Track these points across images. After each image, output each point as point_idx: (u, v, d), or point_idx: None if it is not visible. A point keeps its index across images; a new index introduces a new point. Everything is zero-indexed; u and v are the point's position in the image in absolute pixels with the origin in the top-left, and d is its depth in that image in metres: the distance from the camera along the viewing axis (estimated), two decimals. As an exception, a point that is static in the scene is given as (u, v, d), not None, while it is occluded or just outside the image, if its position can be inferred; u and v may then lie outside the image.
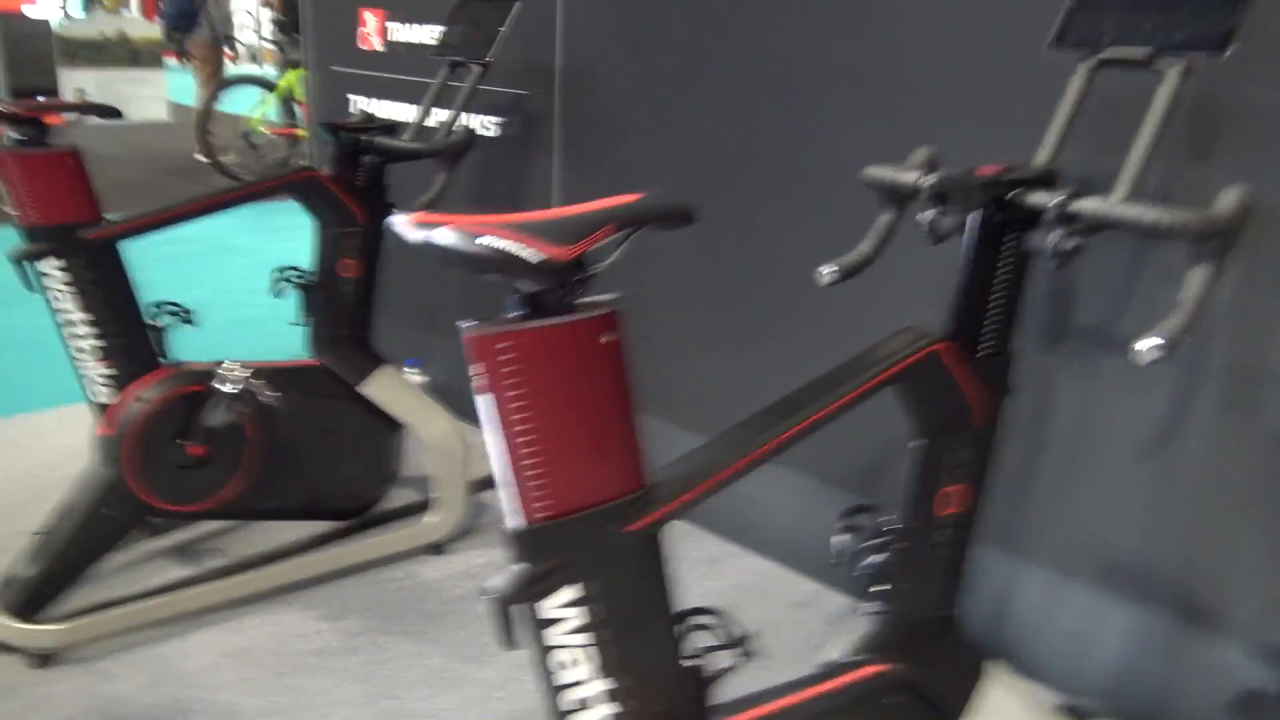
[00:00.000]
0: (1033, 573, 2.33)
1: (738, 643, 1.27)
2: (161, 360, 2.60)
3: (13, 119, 2.35)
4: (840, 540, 1.50)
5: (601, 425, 1.08)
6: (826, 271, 1.62)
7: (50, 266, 2.41)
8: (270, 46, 10.94)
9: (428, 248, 0.98)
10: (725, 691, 1.35)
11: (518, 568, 1.08)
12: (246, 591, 2.63)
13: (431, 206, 2.78)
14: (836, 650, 1.57)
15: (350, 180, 2.75)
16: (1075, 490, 2.24)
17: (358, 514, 2.91)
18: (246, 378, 2.53)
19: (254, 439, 2.64)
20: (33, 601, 2.39)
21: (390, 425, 2.86)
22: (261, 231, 6.85)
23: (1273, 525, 1.98)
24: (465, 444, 2.87)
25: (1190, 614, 2.12)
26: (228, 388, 2.51)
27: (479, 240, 0.96)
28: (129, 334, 2.53)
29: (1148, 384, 2.09)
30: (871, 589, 1.53)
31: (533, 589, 1.07)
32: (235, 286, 5.51)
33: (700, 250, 2.88)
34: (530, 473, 1.06)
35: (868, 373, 1.35)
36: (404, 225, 0.99)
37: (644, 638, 1.18)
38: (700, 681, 1.26)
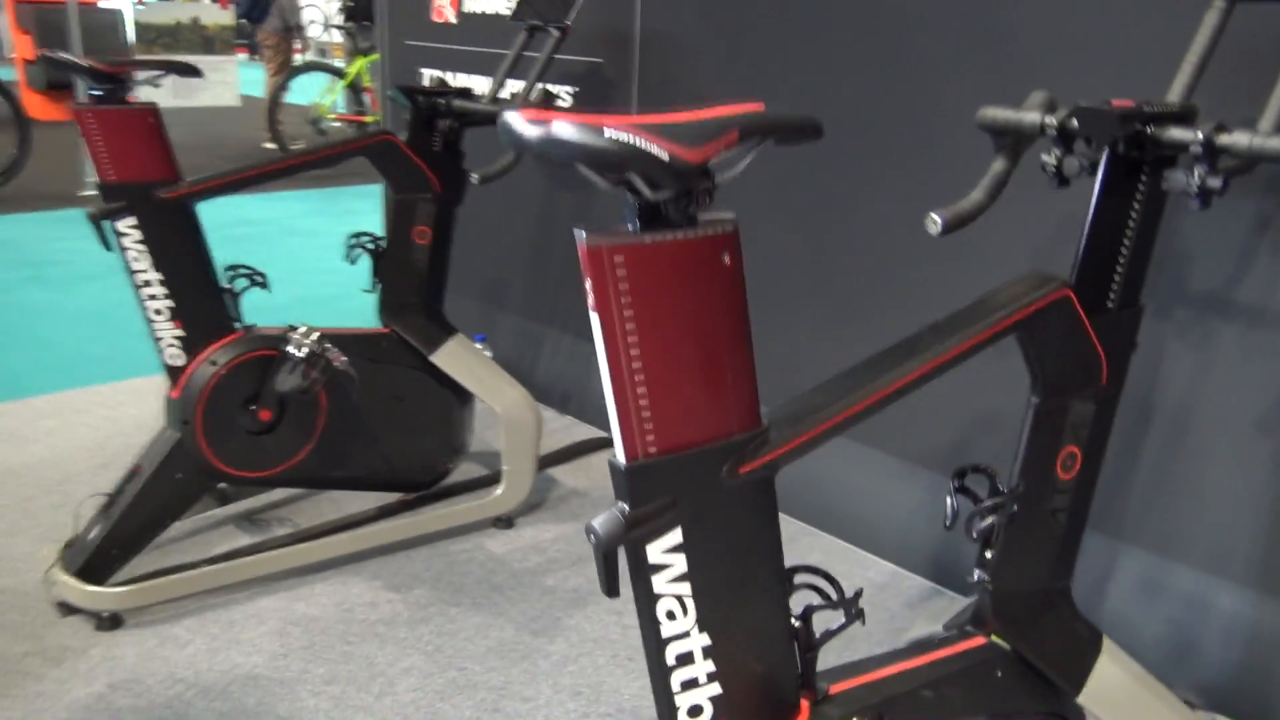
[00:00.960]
0: (1132, 555, 2.20)
1: (847, 604, 1.18)
2: (234, 324, 2.57)
3: (93, 74, 2.33)
4: (953, 502, 1.40)
5: (718, 355, 1.00)
6: (937, 216, 1.52)
7: (126, 225, 2.38)
8: (337, 39, 11.03)
9: (547, 142, 0.90)
10: (827, 658, 1.26)
11: (623, 507, 1.00)
12: (313, 559, 2.59)
13: (505, 173, 2.72)
14: (946, 621, 1.47)
15: (426, 145, 2.69)
16: (1182, 468, 2.11)
17: (426, 486, 2.86)
18: (319, 342, 2.48)
19: (325, 405, 2.60)
20: (99, 564, 2.37)
21: (460, 396, 2.81)
22: (330, 215, 6.89)
23: None
24: (536, 416, 2.81)
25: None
26: (300, 352, 2.47)
27: (607, 134, 0.88)
28: (202, 296, 2.50)
29: (1267, 352, 1.96)
30: (984, 557, 1.42)
31: (638, 530, 0.99)
32: (304, 266, 5.53)
33: (787, 219, 2.78)
34: (640, 402, 0.98)
35: (992, 317, 1.25)
36: (519, 120, 0.92)
37: (752, 591, 1.10)
38: (806, 642, 1.17)
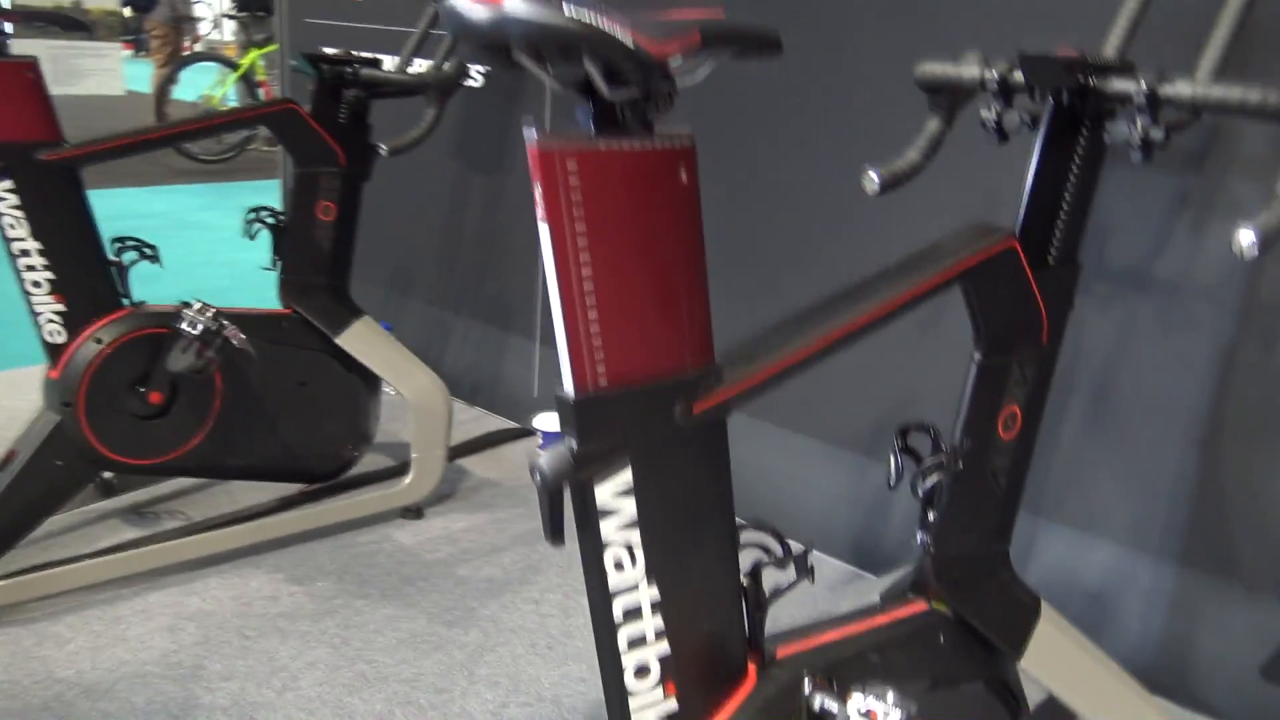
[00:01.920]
0: (1054, 531, 2.21)
1: (797, 561, 1.12)
2: (122, 300, 2.40)
3: (-36, 25, 2.15)
4: (897, 461, 1.36)
5: (673, 281, 0.93)
6: (874, 174, 1.48)
7: (3, 188, 2.20)
8: (229, 38, 10.64)
9: (499, 24, 0.82)
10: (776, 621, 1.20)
11: (570, 444, 0.92)
12: (207, 552, 2.43)
13: (417, 145, 2.61)
14: (889, 585, 1.43)
15: (331, 116, 2.57)
16: (1101, 442, 2.13)
17: (330, 476, 2.72)
18: (214, 319, 2.33)
19: (221, 388, 2.45)
20: (-27, 557, 2.18)
21: (367, 381, 2.68)
22: (225, 209, 6.62)
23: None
24: (447, 402, 2.70)
25: (1227, 573, 2.01)
26: (194, 329, 2.31)
27: (568, 11, 0.80)
28: (85, 268, 2.33)
29: (1185, 325, 1.98)
30: (926, 519, 1.39)
31: (586, 469, 0.91)
32: (197, 259, 5.28)
33: (719, 174, 2.74)
34: (590, 326, 0.90)
35: (939, 265, 1.22)
36: (466, 3, 0.83)
37: (703, 542, 1.03)
38: (755, 601, 1.11)
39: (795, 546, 1.17)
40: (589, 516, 0.95)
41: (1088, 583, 2.18)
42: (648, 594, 0.99)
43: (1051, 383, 1.45)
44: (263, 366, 2.50)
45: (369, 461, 2.80)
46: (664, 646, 1.02)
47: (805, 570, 1.13)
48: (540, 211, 0.88)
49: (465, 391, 3.48)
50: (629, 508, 0.96)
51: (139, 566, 2.34)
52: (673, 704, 1.04)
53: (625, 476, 0.95)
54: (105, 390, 2.29)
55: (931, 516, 1.39)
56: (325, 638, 2.17)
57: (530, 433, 3.19)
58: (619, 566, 0.97)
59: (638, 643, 1.01)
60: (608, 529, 0.96)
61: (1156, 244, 2.01)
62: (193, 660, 2.07)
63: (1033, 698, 1.55)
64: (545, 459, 0.90)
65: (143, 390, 2.35)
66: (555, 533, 0.94)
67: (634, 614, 1.00)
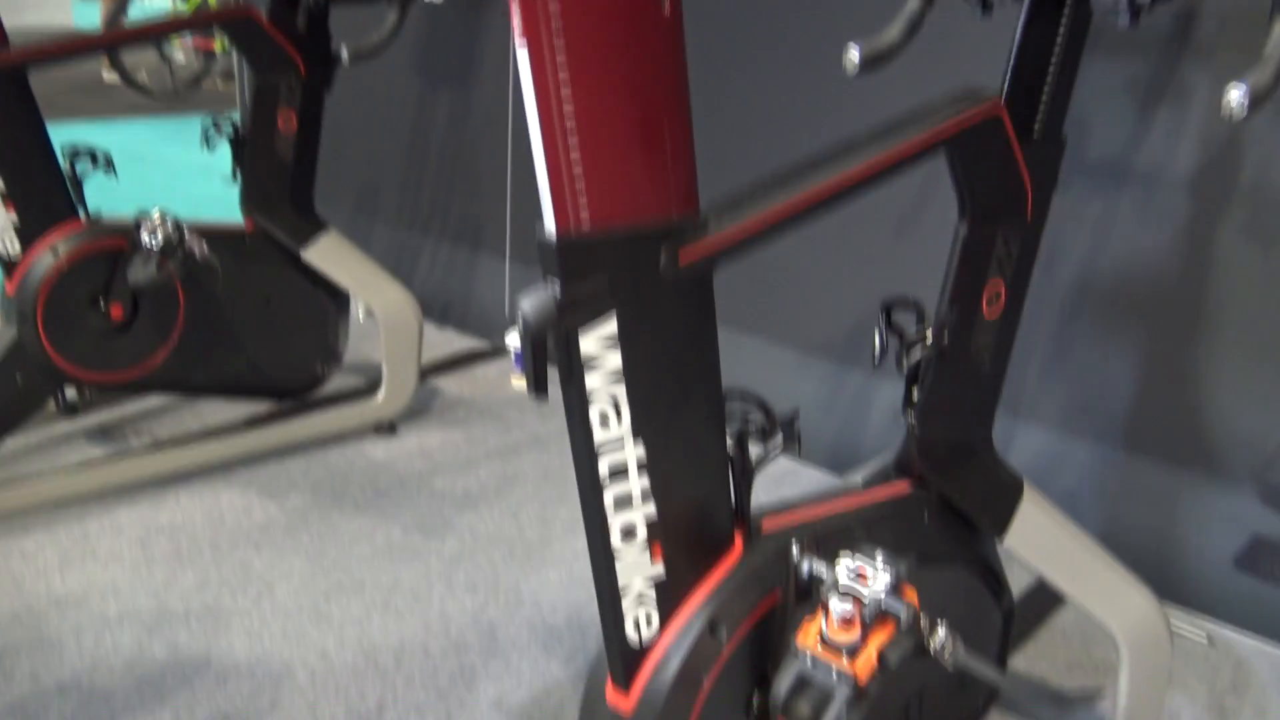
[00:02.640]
0: (1030, 433, 2.22)
1: (784, 426, 1.10)
2: (77, 212, 2.32)
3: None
4: (882, 337, 1.34)
5: (655, 118, 0.89)
6: (855, 51, 1.44)
7: (-54, 92, 2.11)
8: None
9: None
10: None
11: (553, 289, 0.88)
12: (176, 467, 2.39)
13: (381, 51, 2.53)
14: (875, 465, 1.41)
15: (289, 23, 2.47)
16: (1078, 342, 2.13)
17: (300, 393, 2.67)
18: (175, 230, 2.26)
19: (184, 303, 2.39)
20: (-67, 473, 2.13)
21: (334, 296, 2.63)
22: (182, 142, 6.45)
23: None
24: (418, 317, 2.65)
25: (1199, 464, 2.03)
26: (155, 241, 2.24)
27: None
28: (39, 177, 2.26)
29: (1161, 219, 1.97)
30: (910, 398, 1.37)
31: (570, 315, 0.88)
32: (153, 195, 5.13)
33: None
34: (572, 161, 0.86)
35: (926, 127, 1.18)
36: None
37: (689, 402, 1.00)
38: (741, 468, 1.09)
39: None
40: (573, 366, 0.92)
41: (1063, 482, 2.19)
42: (634, 452, 0.97)
43: (1035, 262, 1.43)
44: (226, 281, 2.44)
45: (342, 382, 2.76)
46: (651, 509, 1.00)
47: (793, 438, 1.12)
48: (517, 31, 0.84)
49: (436, 313, 3.43)
50: (614, 359, 0.93)
51: (106, 482, 2.30)
52: (660, 569, 1.03)
53: (610, 327, 0.92)
54: (63, 304, 2.23)
55: (916, 396, 1.37)
56: (300, 549, 2.14)
57: (503, 352, 3.15)
58: (604, 421, 0.95)
59: (624, 503, 0.98)
60: (593, 380, 0.93)
61: (1132, 138, 1.99)
62: (165, 572, 2.04)
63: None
64: (529, 304, 0.87)
65: (103, 304, 2.28)
66: (538, 384, 0.91)
67: (620, 473, 0.97)
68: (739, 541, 1.13)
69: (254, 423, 2.58)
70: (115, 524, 2.20)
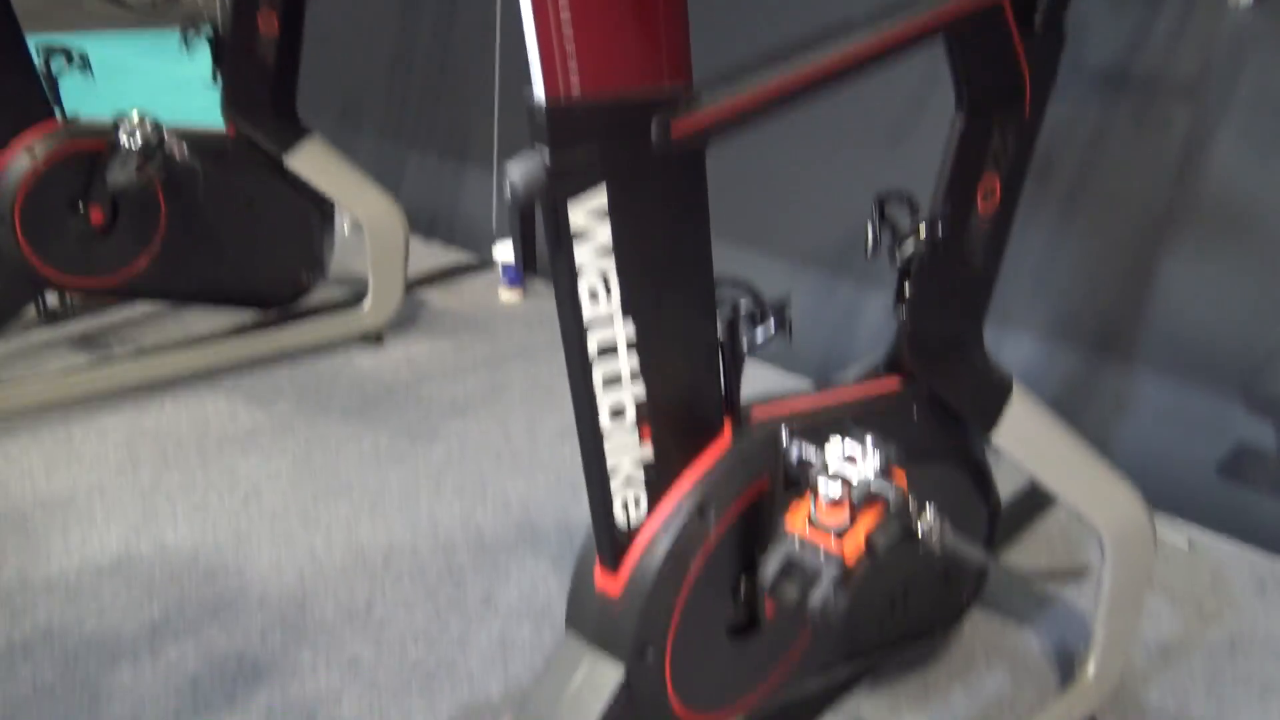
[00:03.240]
0: (1020, 340, 2.21)
1: (776, 312, 1.09)
2: (54, 112, 2.27)
3: None
4: (875, 229, 1.32)
5: None
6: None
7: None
8: None
9: None
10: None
11: (543, 156, 0.86)
12: (163, 374, 2.37)
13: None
14: (866, 363, 1.40)
15: (268, -82, 2.40)
16: (1070, 247, 2.11)
17: (285, 302, 2.64)
18: (155, 131, 2.21)
19: (165, 208, 2.35)
20: (-87, 376, 2.10)
21: (318, 204, 2.58)
22: (161, 55, 6.29)
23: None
24: (403, 225, 2.62)
25: (1186, 371, 2.03)
26: (133, 142, 2.20)
27: None
28: (12, 74, 2.19)
29: (1159, 126, 1.95)
30: (902, 293, 1.36)
31: (559, 184, 0.86)
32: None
33: None
34: (562, 26, 0.83)
35: (924, 10, 1.15)
36: None
37: (679, 282, 0.99)
38: (732, 354, 1.08)
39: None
40: (562, 237, 0.91)
41: (1050, 390, 2.20)
42: (623, 330, 0.95)
43: (1031, 159, 1.41)
44: (208, 185, 2.39)
45: (329, 292, 2.73)
46: (639, 389, 0.99)
47: (784, 325, 1.10)
48: None
49: (423, 226, 3.39)
50: (604, 233, 0.91)
51: (91, 388, 2.28)
52: (648, 451, 1.02)
53: (600, 199, 0.89)
54: (42, 206, 2.19)
55: (908, 290, 1.36)
56: (287, 454, 2.14)
57: (490, 265, 3.12)
58: (594, 296, 0.93)
59: (613, 381, 0.97)
60: (582, 253, 0.91)
61: (1131, 47, 1.95)
62: (151, 475, 2.04)
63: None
64: (517, 171, 0.85)
65: (82, 208, 2.24)
66: (526, 256, 0.89)
67: (609, 350, 0.96)
68: (728, 427, 1.12)
69: (240, 331, 2.56)
70: (100, 429, 2.19)
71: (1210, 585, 1.88)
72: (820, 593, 1.00)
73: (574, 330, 0.94)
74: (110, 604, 1.67)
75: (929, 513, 1.05)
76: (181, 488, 2.00)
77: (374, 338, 2.65)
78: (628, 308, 0.96)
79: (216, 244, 2.47)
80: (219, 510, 1.93)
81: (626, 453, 1.01)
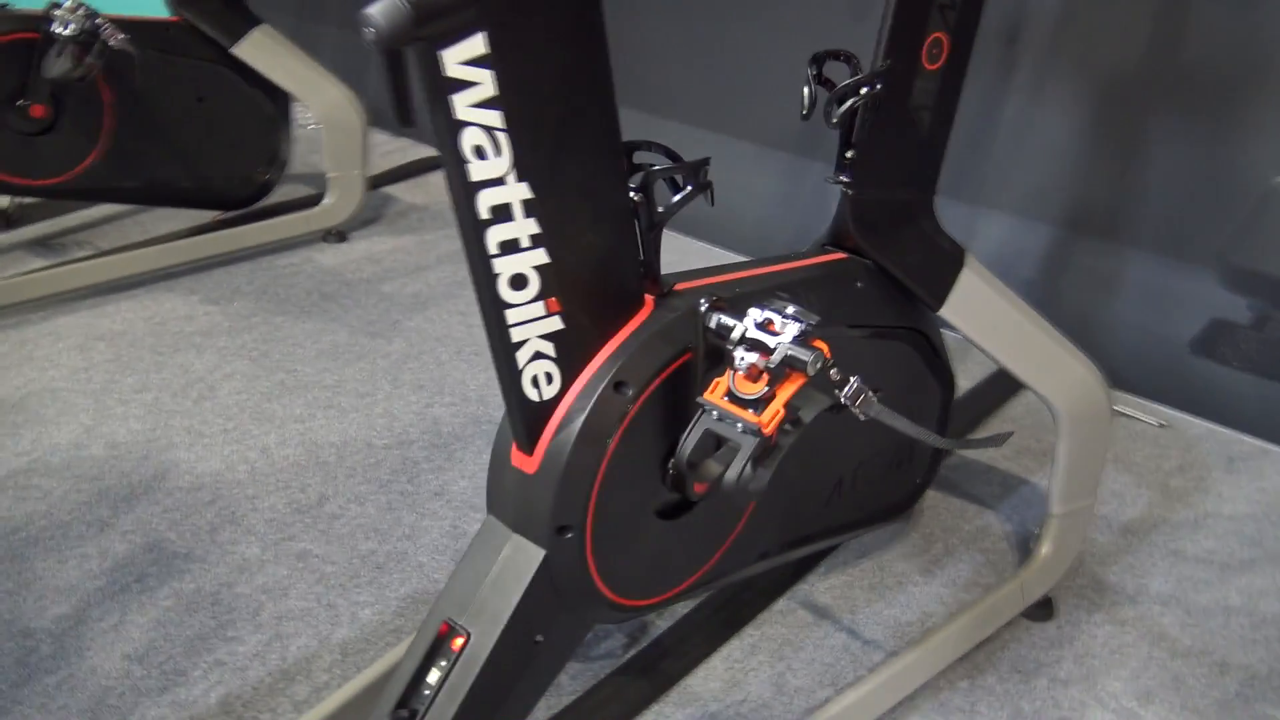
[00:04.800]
0: (991, 219, 2.15)
1: (690, 169, 1.02)
2: (-16, 3, 2.18)
3: None
4: (812, 90, 1.25)
5: None
6: None
7: None
8: None
9: None
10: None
11: None
12: (116, 275, 2.32)
13: None
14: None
15: None
16: (1038, 121, 2.03)
17: (244, 202, 2.58)
18: (88, 17, 2.12)
19: (110, 102, 2.27)
20: None
21: (272, 97, 2.50)
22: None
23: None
24: (361, 117, 2.54)
25: (1159, 248, 1.97)
26: (67, 30, 2.11)
27: None
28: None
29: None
30: (844, 158, 1.29)
31: (425, 23, 0.78)
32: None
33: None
34: None
35: None
36: None
37: (579, 138, 0.92)
38: (649, 220, 1.02)
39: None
40: (437, 88, 0.84)
41: (1025, 271, 2.14)
42: (517, 191, 0.89)
43: (980, 16, 1.32)
44: (154, 80, 2.31)
45: (290, 190, 2.66)
46: (542, 256, 0.93)
47: (700, 186, 1.04)
48: None
49: (389, 121, 3.29)
50: (487, 82, 0.84)
51: (45, 291, 2.24)
52: (557, 323, 0.97)
53: (478, 44, 0.83)
54: (-21, 102, 2.11)
55: (850, 156, 1.29)
56: (243, 352, 2.10)
57: (458, 159, 3.03)
58: (480, 154, 0.87)
59: (510, 247, 0.91)
60: (461, 105, 0.85)
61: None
62: (105, 376, 2.00)
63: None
64: (378, 10, 0.78)
65: (22, 103, 2.16)
66: (399, 109, 0.83)
67: (503, 214, 0.90)
68: (649, 301, 1.07)
69: (200, 230, 2.50)
70: (54, 331, 2.15)
71: (1179, 465, 1.85)
72: (736, 465, 0.96)
73: (460, 191, 0.88)
74: (59, 503, 1.65)
75: (854, 381, 1.00)
76: (134, 388, 1.97)
77: (336, 235, 2.59)
78: (521, 167, 0.89)
79: (167, 141, 2.39)
80: (172, 409, 1.91)
81: (532, 325, 0.96)
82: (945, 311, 1.36)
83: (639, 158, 1.05)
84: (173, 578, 1.52)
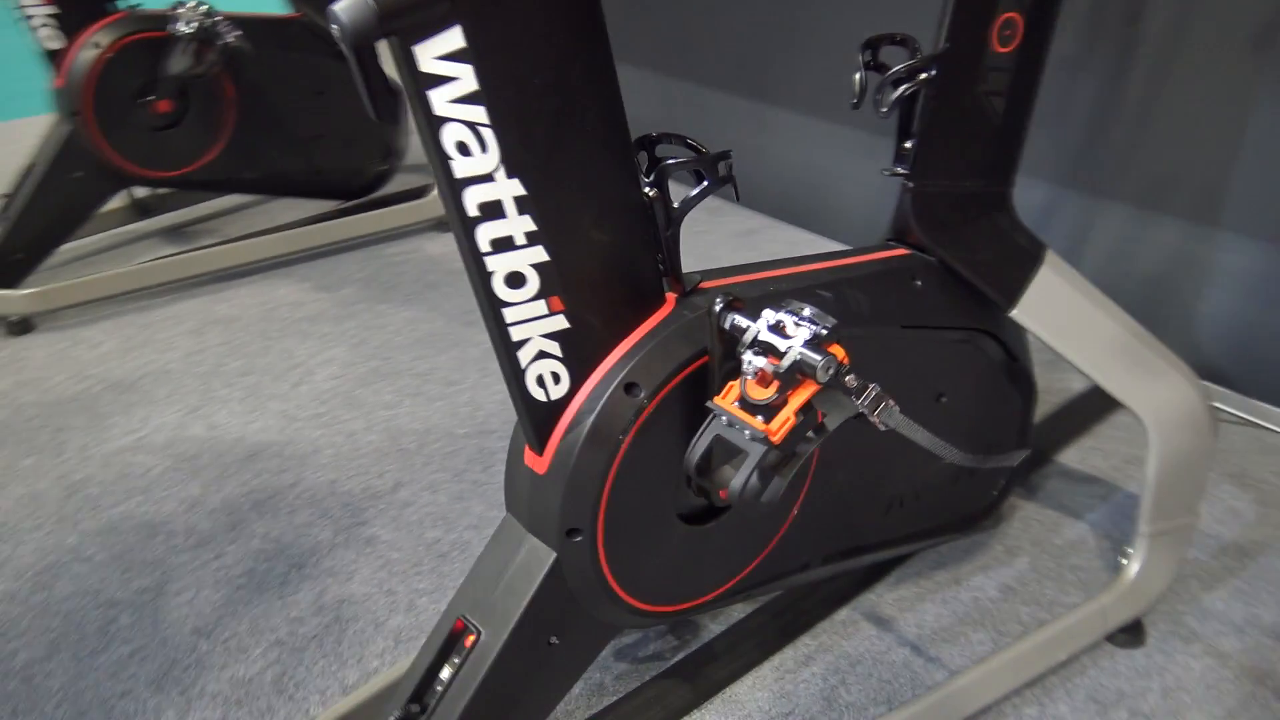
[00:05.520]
0: (1112, 211, 1.99)
1: (707, 163, 0.97)
2: (115, 3, 2.31)
3: None
4: (863, 77, 1.17)
5: None
6: None
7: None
8: None
9: None
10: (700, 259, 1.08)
11: None
12: (236, 262, 2.43)
13: None
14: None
15: None
16: (1169, 106, 1.87)
17: (360, 192, 2.66)
18: (208, 15, 2.22)
19: (233, 97, 2.37)
20: (4, 268, 2.23)
21: (391, 88, 2.54)
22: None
23: None
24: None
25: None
26: (188, 28, 2.21)
27: None
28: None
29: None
30: (903, 147, 1.21)
31: (394, 19, 0.76)
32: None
33: None
34: None
35: None
36: None
37: (576, 131, 0.88)
38: (666, 216, 0.97)
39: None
40: (414, 83, 0.82)
41: (1147, 266, 1.98)
42: (508, 188, 0.87)
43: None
44: (275, 76, 2.41)
45: (404, 180, 2.73)
46: (539, 252, 0.90)
47: (719, 180, 0.98)
48: None
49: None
50: (466, 76, 0.82)
51: (170, 275, 2.37)
52: (562, 321, 0.94)
53: (454, 37, 0.80)
54: (111, 98, 2.24)
55: (908, 146, 1.21)
56: (344, 338, 2.17)
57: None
58: (464, 149, 0.84)
59: (503, 245, 0.89)
60: (440, 101, 0.83)
61: None
62: (214, 359, 2.10)
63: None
64: (341, 6, 0.76)
65: (150, 98, 2.29)
66: (375, 106, 0.82)
67: (494, 211, 0.88)
68: (671, 300, 1.03)
69: (317, 219, 2.59)
70: (175, 315, 2.27)
71: (1309, 480, 1.68)
72: (741, 474, 0.91)
73: (446, 188, 0.87)
74: (157, 481, 1.74)
75: (873, 389, 0.94)
76: (240, 372, 2.05)
77: (444, 225, 2.64)
78: (510, 163, 0.87)
79: (286, 134, 2.49)
80: (271, 393, 1.98)
81: (534, 324, 0.94)
82: (1018, 312, 1.27)
83: (661, 151, 1.01)
84: (249, 558, 1.57)
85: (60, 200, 2.28)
